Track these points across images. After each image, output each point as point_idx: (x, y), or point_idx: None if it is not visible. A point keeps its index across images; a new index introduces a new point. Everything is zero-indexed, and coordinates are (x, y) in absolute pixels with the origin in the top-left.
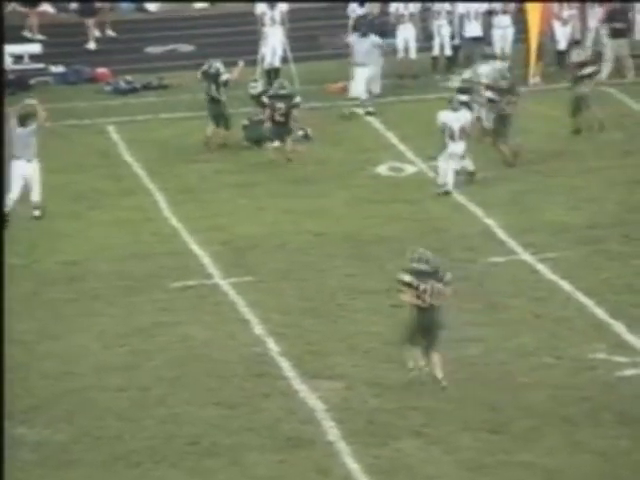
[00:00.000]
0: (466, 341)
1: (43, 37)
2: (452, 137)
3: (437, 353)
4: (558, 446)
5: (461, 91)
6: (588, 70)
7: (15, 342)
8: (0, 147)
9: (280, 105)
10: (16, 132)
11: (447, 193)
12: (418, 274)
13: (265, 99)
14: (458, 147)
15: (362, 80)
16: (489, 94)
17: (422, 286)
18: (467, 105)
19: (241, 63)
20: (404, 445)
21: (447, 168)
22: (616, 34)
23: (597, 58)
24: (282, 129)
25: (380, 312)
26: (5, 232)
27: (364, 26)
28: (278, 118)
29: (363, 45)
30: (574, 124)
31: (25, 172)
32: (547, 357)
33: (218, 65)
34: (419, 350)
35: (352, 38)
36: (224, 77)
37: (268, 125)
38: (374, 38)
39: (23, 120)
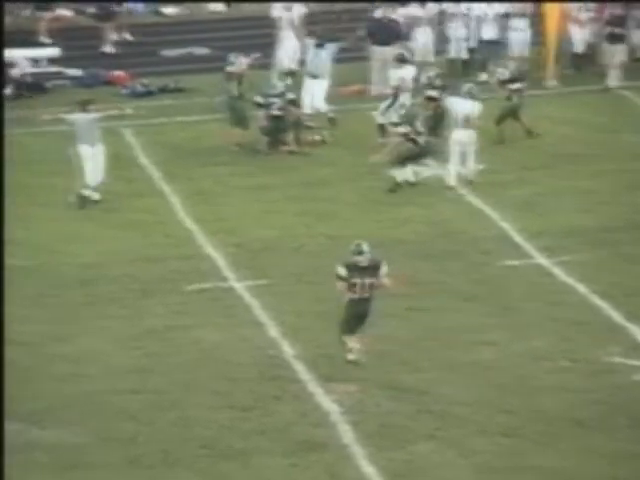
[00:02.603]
0: (481, 344)
1: (54, 41)
2: (456, 124)
3: (358, 335)
4: (572, 450)
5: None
6: (516, 85)
7: (28, 344)
8: (0, 147)
9: (275, 100)
10: (78, 118)
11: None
12: (354, 267)
13: (259, 98)
14: (461, 135)
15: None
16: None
17: (354, 279)
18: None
19: (256, 55)
20: (418, 448)
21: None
22: (614, 40)
23: (523, 75)
24: (279, 124)
25: (394, 315)
26: (18, 235)
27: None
28: (275, 112)
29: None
30: (499, 133)
31: (90, 156)
32: (562, 360)
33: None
34: (349, 335)
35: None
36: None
37: (265, 124)
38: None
39: (84, 106)
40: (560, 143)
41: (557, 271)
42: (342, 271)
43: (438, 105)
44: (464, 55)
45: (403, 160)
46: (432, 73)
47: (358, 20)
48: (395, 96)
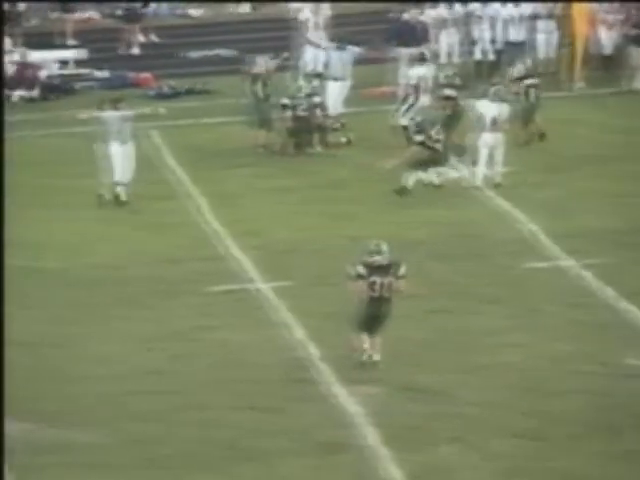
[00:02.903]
0: (505, 347)
1: (81, 43)
2: (484, 127)
3: (378, 337)
4: (595, 453)
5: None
6: (531, 81)
7: (53, 345)
8: (0, 147)
9: (301, 102)
10: (110, 115)
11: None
12: (373, 267)
13: (285, 100)
14: (489, 137)
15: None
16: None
17: (373, 278)
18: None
19: (284, 55)
20: (441, 451)
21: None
22: None
23: (535, 70)
24: (305, 125)
25: (417, 317)
26: (45, 236)
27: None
28: (301, 114)
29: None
30: (525, 135)
31: (121, 154)
32: (587, 364)
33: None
34: (366, 335)
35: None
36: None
37: (290, 125)
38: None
39: (115, 103)
40: (586, 145)
41: (582, 274)
42: (362, 270)
43: (456, 104)
44: (491, 57)
45: (418, 166)
46: (450, 72)
47: (380, 22)
48: (416, 97)
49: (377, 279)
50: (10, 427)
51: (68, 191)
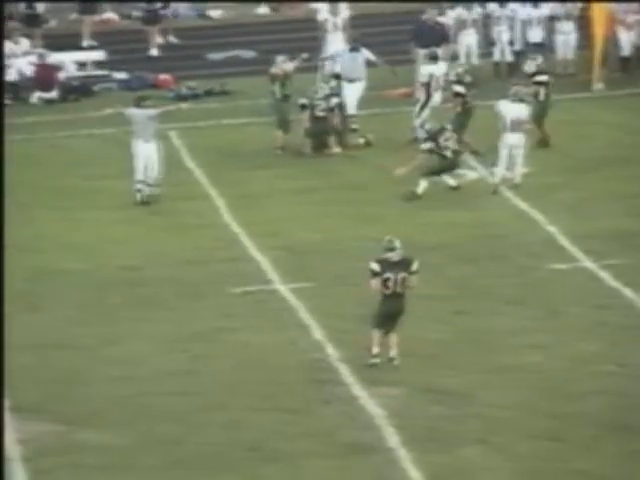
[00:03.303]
0: (527, 348)
1: (100, 44)
2: (505, 127)
3: (395, 334)
4: (618, 455)
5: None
6: (542, 77)
7: (76, 347)
8: (0, 147)
9: (320, 102)
10: (135, 113)
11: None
12: (386, 263)
13: (304, 100)
14: (510, 138)
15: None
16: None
17: (386, 274)
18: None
19: (304, 55)
20: (464, 452)
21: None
22: None
23: (546, 68)
24: (323, 125)
25: (439, 318)
26: (66, 238)
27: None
28: (319, 114)
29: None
30: (542, 134)
31: (144, 152)
32: (608, 365)
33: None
34: (380, 335)
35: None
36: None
37: (308, 126)
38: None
39: (138, 102)
40: (606, 146)
41: (604, 275)
42: (375, 267)
43: (466, 101)
44: (509, 58)
45: (430, 173)
46: (460, 69)
47: (406, 23)
48: (427, 95)
49: (391, 275)
50: (38, 428)
51: (88, 192)
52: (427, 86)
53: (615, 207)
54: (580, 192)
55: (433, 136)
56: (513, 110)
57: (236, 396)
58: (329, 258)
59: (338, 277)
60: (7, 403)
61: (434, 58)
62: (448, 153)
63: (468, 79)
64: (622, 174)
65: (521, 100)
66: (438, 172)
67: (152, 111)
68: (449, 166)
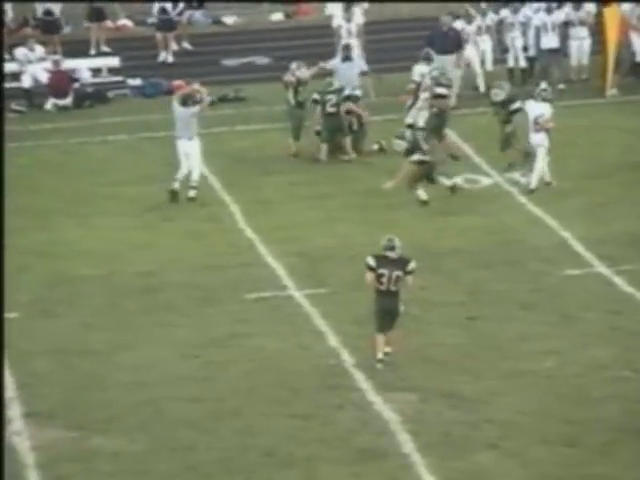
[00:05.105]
0: (541, 353)
1: (115, 51)
2: (529, 127)
3: (390, 332)
4: (634, 460)
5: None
6: (516, 105)
7: (90, 353)
8: (0, 147)
9: (330, 97)
10: (178, 112)
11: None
12: (383, 260)
13: (315, 95)
14: (534, 138)
15: None
16: None
17: (381, 270)
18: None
19: (321, 64)
20: (479, 458)
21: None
22: None
23: (516, 95)
24: (334, 122)
25: (454, 324)
26: (81, 244)
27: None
28: (329, 110)
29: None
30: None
31: (186, 150)
32: (623, 370)
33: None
34: (380, 336)
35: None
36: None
37: (319, 127)
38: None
39: (184, 101)
40: (620, 152)
41: (618, 280)
42: (371, 261)
43: (446, 104)
44: (523, 64)
45: (418, 180)
46: (435, 72)
47: (421, 29)
48: (415, 95)
49: (385, 272)
50: (53, 434)
51: (103, 199)
52: (418, 87)
53: (629, 212)
54: (594, 197)
55: (416, 145)
56: (536, 110)
57: (250, 401)
58: (344, 264)
59: (353, 283)
60: (22, 409)
61: (428, 59)
62: (430, 156)
63: (444, 81)
64: (636, 179)
65: (544, 99)
66: (424, 177)
67: (195, 108)
68: (432, 168)
